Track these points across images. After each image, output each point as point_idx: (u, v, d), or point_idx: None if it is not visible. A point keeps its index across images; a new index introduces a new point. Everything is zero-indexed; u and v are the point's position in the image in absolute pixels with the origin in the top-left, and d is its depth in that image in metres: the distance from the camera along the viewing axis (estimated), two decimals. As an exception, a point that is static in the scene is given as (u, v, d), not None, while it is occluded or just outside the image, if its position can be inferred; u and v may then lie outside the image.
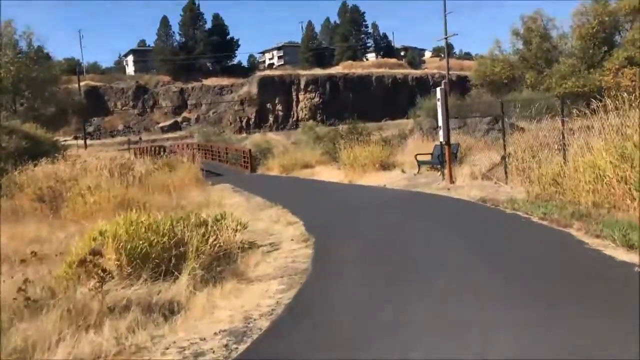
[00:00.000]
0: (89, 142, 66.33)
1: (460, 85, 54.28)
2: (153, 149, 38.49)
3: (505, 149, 11.49)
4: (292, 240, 8.06)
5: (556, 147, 9.82)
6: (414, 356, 3.63)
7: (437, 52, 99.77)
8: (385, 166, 19.25)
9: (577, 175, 8.59)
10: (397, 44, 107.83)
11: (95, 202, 12.73)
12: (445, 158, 12.86)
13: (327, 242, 7.62)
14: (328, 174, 21.30)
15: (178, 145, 39.99)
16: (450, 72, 58.64)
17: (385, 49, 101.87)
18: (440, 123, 12.40)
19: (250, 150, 29.57)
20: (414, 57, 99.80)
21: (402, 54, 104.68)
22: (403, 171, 17.73)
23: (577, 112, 9.77)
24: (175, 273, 5.64)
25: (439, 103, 12.39)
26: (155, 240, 5.68)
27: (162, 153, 32.89)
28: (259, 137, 48.34)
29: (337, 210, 11.06)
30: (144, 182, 18.48)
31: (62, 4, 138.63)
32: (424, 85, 69.96)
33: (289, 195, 15.45)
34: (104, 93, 79.91)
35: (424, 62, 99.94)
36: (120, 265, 5.46)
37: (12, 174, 14.87)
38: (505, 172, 11.39)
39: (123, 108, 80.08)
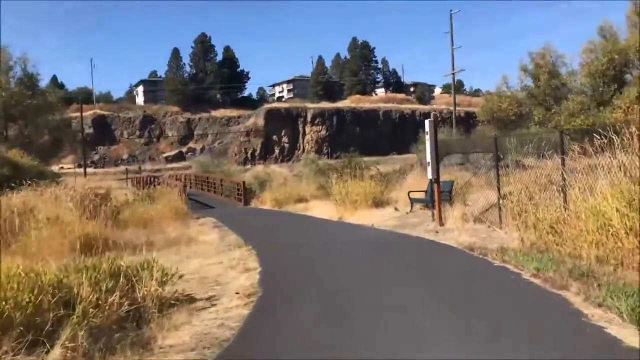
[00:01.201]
0: (92, 170, 65.92)
1: (467, 122, 53.30)
2: (148, 179, 37.64)
3: (499, 190, 10.20)
4: (236, 293, 6.78)
5: (555, 189, 8.53)
6: None
7: (447, 88, 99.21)
8: (379, 203, 18.01)
9: (579, 222, 7.28)
10: (407, 79, 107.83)
11: (50, 237, 11.59)
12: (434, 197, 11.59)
13: (274, 300, 6.34)
14: (320, 209, 20.06)
15: (171, 176, 39.14)
16: (458, 108, 57.79)
17: (395, 84, 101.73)
18: (428, 158, 11.19)
19: (244, 182, 28.45)
20: (424, 92, 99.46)
21: (412, 89, 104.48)
22: (396, 209, 16.47)
23: (580, 148, 8.49)
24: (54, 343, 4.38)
25: (427, 137, 11.20)
26: (27, 298, 4.45)
27: (154, 184, 31.98)
28: (260, 169, 47.36)
29: (308, 255, 9.78)
30: (120, 215, 17.40)
31: (78, 33, 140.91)
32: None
33: (265, 234, 14.26)
34: (111, 122, 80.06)
35: (433, 98, 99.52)
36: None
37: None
38: (500, 216, 10.08)
39: (129, 137, 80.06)
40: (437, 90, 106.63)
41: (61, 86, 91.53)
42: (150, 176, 41.22)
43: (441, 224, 11.44)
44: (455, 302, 5.67)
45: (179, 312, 5.81)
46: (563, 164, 8.37)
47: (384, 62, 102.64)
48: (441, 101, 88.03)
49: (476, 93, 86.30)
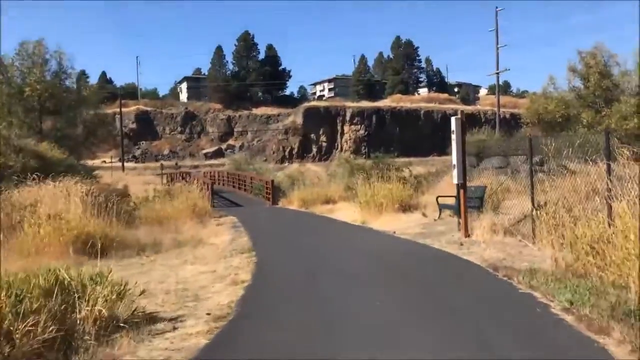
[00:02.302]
0: (132, 165, 66.81)
1: (512, 123, 51.03)
2: (181, 175, 37.35)
3: (532, 199, 8.85)
4: (207, 314, 5.80)
5: (598, 200, 7.17)
6: None
7: (493, 89, 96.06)
8: (407, 207, 16.77)
9: (626, 243, 5.94)
10: (451, 79, 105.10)
11: (47, 234, 10.95)
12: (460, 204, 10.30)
13: (242, 328, 5.31)
14: (345, 212, 18.97)
15: (205, 173, 38.74)
16: (503, 110, 55.51)
17: (438, 84, 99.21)
18: (454, 161, 9.92)
19: (272, 181, 27.56)
20: (468, 93, 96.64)
21: (456, 90, 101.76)
22: (424, 215, 15.23)
23: (631, 153, 7.09)
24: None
25: (453, 136, 9.94)
26: None
27: (186, 180, 31.61)
28: (295, 167, 46.55)
29: (308, 267, 8.70)
30: (136, 212, 16.79)
31: (128, 31, 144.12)
32: (476, 122, 66.53)
33: (277, 239, 13.31)
34: (153, 118, 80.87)
35: (478, 99, 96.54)
36: None
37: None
38: (533, 229, 8.73)
39: (171, 133, 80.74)
40: (483, 91, 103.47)
41: (109, 82, 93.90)
42: (185, 172, 41.00)
43: (467, 234, 10.16)
44: (455, 347, 4.49)
45: (127, 338, 4.85)
46: (609, 171, 6.99)
47: (428, 61, 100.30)
48: (486, 102, 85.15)
49: (522, 95, 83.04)
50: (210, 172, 42.64)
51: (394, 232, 12.85)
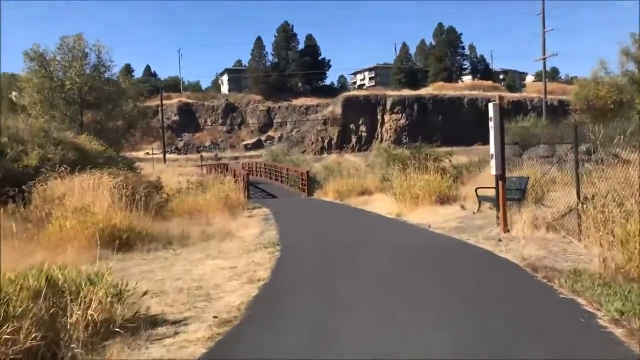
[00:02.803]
0: (175, 156, 67.84)
1: (559, 111, 48.93)
2: (219, 166, 37.45)
3: (578, 190, 8.05)
4: (214, 317, 5.38)
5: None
6: None
7: (539, 75, 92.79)
8: (445, 199, 16.02)
9: (688, 243, 5.18)
10: (496, 66, 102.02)
11: (72, 228, 10.83)
12: (499, 196, 9.54)
13: (244, 335, 4.85)
14: (381, 204, 18.34)
15: (244, 165, 38.69)
16: (551, 97, 53.38)
17: (483, 71, 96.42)
18: (492, 150, 9.17)
19: (307, 172, 27.14)
20: (514, 80, 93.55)
21: (501, 77, 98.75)
22: (462, 207, 14.48)
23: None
24: None
25: (491, 123, 9.18)
26: None
27: (224, 171, 31.61)
28: (333, 158, 45.99)
29: (333, 263, 8.20)
30: (169, 204, 16.67)
31: (171, 25, 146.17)
32: (522, 110, 64.38)
33: (305, 231, 12.86)
34: (195, 110, 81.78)
35: (524, 86, 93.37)
36: None
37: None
38: (579, 224, 7.94)
39: (213, 125, 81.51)
40: (529, 78, 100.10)
41: (153, 75, 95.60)
42: (223, 164, 41.12)
43: (506, 229, 9.41)
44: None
45: (121, 344, 4.47)
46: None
47: (472, 48, 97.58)
48: (532, 89, 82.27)
49: (571, 81, 79.73)
50: (248, 164, 42.67)
51: (429, 226, 12.19)
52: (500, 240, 8.94)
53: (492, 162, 9.28)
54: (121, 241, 10.84)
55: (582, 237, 7.80)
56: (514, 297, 5.65)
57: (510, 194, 10.76)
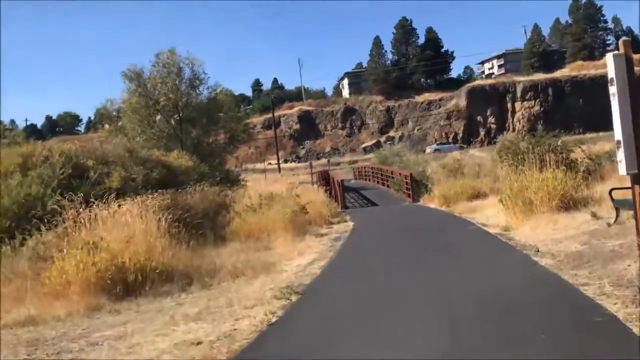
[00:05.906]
0: (295, 165, 67.48)
1: None
2: (321, 174, 35.24)
3: None
4: None
5: None
6: None
7: None
8: (573, 203, 11.94)
9: None
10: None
11: (72, 269, 8.89)
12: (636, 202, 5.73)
13: None
14: (491, 210, 14.71)
15: (355, 170, 36.01)
16: None
17: (632, 43, 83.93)
18: (617, 134, 5.44)
19: (411, 175, 23.69)
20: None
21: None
22: (594, 215, 10.40)
23: None
24: None
25: (612, 89, 5.44)
26: None
27: (320, 179, 29.36)
28: (454, 155, 41.48)
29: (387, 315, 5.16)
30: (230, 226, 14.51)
31: (291, 36, 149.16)
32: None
33: (362, 263, 9.77)
34: (315, 116, 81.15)
35: (686, 55, 79.60)
36: None
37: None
38: None
39: (332, 130, 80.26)
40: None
41: (280, 88, 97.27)
42: (324, 170, 38.86)
43: (654, 264, 5.61)
44: None
45: None
46: None
47: (616, 20, 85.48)
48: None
49: None
50: (359, 168, 40.00)
51: (538, 250, 8.48)
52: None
53: (619, 154, 5.52)
54: (127, 284, 8.76)
55: None
56: None
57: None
